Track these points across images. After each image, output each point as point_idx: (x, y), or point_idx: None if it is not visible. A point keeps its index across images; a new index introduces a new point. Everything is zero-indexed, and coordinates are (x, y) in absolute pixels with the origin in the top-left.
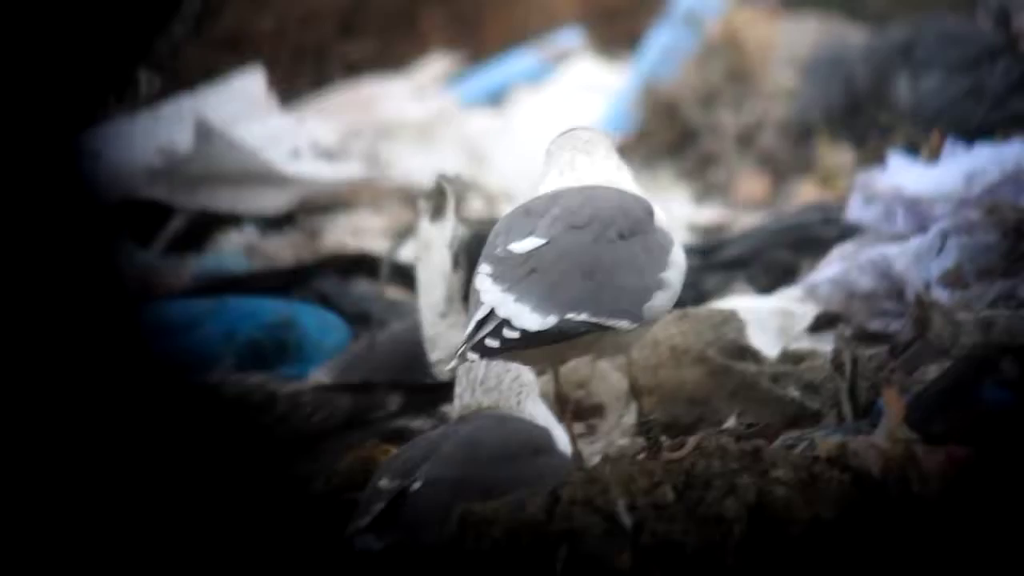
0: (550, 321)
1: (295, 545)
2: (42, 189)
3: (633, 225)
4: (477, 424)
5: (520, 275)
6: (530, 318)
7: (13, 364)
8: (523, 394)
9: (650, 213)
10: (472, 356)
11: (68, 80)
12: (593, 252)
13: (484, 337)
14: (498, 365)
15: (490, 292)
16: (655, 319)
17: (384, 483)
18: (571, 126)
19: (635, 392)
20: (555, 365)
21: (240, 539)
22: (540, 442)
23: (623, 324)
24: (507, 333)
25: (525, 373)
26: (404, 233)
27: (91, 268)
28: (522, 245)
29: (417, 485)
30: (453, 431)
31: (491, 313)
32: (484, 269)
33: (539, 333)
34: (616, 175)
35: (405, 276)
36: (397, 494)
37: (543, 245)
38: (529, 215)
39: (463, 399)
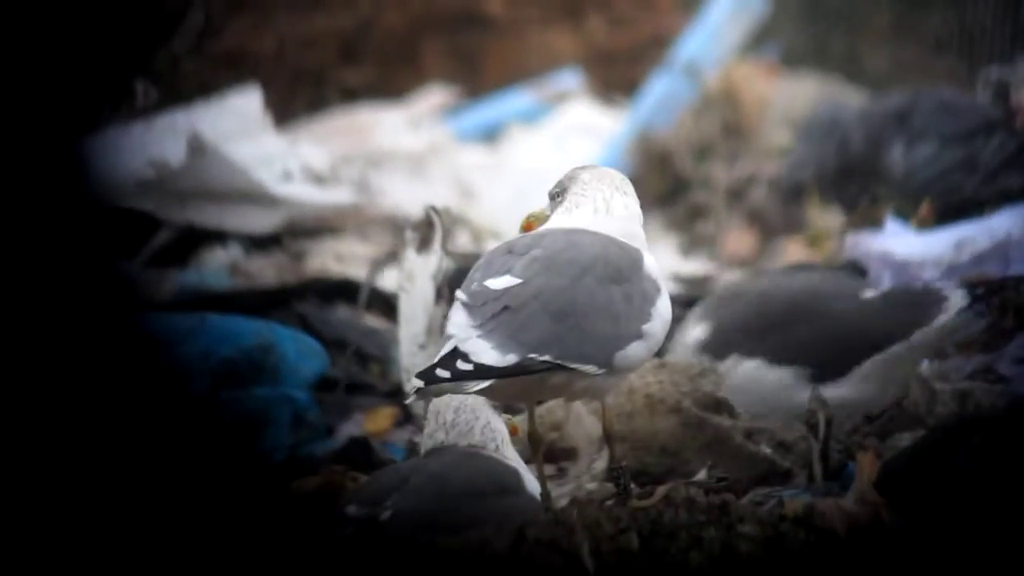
0: (510, 359)
1: (261, 565)
2: (34, 194)
3: (615, 273)
4: (448, 460)
5: (490, 311)
6: (489, 355)
7: None
8: (499, 439)
9: (638, 262)
10: (417, 382)
11: (65, 87)
12: (567, 295)
13: (435, 367)
14: (466, 412)
15: (457, 325)
16: (631, 368)
17: (353, 510)
18: (583, 165)
19: (608, 438)
20: (530, 404)
21: (207, 557)
22: (509, 482)
23: (590, 368)
24: (460, 365)
25: (495, 420)
26: (384, 260)
27: (79, 276)
28: (498, 282)
29: (387, 515)
30: (423, 464)
31: (456, 347)
32: (458, 302)
33: (493, 368)
34: (631, 224)
35: (387, 305)
36: (365, 522)
37: (518, 284)
38: (511, 253)
39: (435, 439)
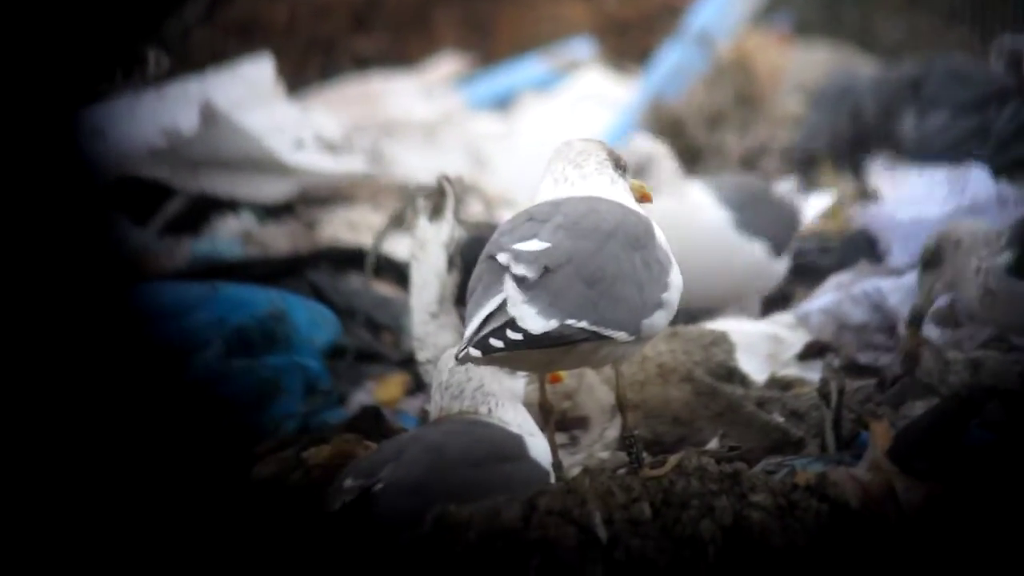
0: (551, 325)
1: (273, 535)
2: (41, 162)
3: (633, 240)
4: (445, 429)
5: (532, 273)
6: (534, 320)
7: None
8: (493, 403)
9: (649, 231)
10: (475, 353)
11: (78, 56)
12: (596, 261)
13: (488, 336)
14: (459, 373)
15: (508, 286)
16: (652, 336)
17: (348, 482)
18: (574, 137)
19: (621, 407)
20: (542, 373)
21: (216, 527)
22: (509, 449)
23: (621, 335)
24: (510, 334)
25: (490, 383)
26: (393, 223)
27: (86, 244)
28: (527, 246)
29: (380, 486)
30: (421, 435)
31: (500, 307)
32: (503, 260)
33: (539, 336)
34: (609, 189)
35: (399, 273)
36: (360, 493)
37: (548, 248)
38: (532, 220)
39: (435, 402)
